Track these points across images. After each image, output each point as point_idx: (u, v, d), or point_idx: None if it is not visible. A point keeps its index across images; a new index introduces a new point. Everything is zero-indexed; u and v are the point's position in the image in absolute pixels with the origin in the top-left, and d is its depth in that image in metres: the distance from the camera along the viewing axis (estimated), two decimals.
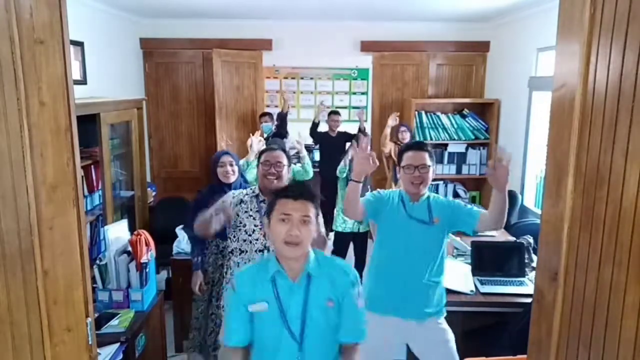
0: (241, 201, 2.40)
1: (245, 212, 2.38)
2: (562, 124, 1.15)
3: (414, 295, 2.27)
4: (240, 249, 2.36)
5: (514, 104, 5.06)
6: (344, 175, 4.04)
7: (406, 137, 4.74)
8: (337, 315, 1.65)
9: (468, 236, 3.66)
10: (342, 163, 4.16)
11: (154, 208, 4.70)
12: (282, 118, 5.27)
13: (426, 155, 2.28)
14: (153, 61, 5.73)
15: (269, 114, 5.31)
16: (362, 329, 1.69)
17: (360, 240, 4.26)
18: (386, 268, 2.33)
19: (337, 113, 5.29)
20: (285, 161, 2.41)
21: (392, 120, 4.86)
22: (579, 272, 1.08)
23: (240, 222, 2.37)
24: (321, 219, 2.48)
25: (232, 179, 2.98)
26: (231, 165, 3.00)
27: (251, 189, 2.49)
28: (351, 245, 4.27)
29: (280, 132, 5.18)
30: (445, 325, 2.35)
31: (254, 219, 2.36)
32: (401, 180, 2.35)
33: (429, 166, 2.27)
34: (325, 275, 1.65)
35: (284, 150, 2.50)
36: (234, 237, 2.39)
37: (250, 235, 2.35)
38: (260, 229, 2.33)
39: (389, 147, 4.82)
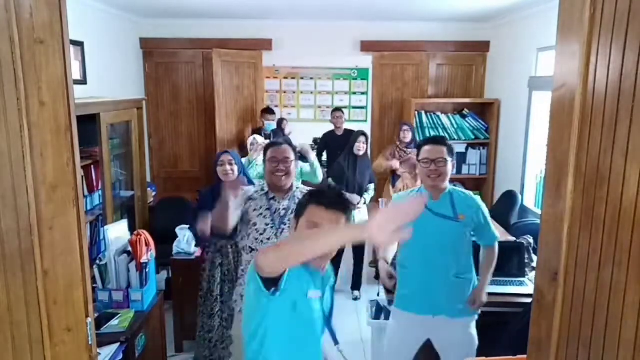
0: (250, 198, 2.37)
1: (255, 210, 2.35)
2: (562, 124, 1.15)
3: (443, 291, 2.28)
4: (251, 247, 2.34)
5: (514, 104, 5.06)
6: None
7: (408, 137, 4.71)
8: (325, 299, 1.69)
9: None
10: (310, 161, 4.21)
11: (154, 208, 4.70)
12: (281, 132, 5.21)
13: (444, 149, 2.28)
14: (153, 61, 5.73)
15: (272, 112, 5.31)
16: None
17: None
18: (414, 266, 2.32)
19: (339, 110, 5.27)
20: (292, 156, 2.38)
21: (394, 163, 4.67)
22: (579, 272, 1.08)
23: (250, 220, 2.34)
24: None
25: (232, 178, 2.98)
26: (230, 164, 3.00)
27: (260, 185, 2.46)
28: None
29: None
30: (474, 331, 2.34)
31: (264, 217, 2.33)
32: (419, 174, 2.38)
33: (447, 160, 2.27)
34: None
35: (290, 144, 2.48)
36: (246, 234, 2.37)
37: (261, 234, 2.32)
38: (272, 227, 2.31)
39: (384, 166, 4.73)
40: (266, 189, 2.39)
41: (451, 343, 2.31)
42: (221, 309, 2.98)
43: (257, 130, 5.22)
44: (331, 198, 1.57)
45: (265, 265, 1.41)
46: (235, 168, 3.04)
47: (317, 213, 1.54)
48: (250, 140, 4.48)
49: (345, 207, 1.58)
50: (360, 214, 4.17)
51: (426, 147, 2.31)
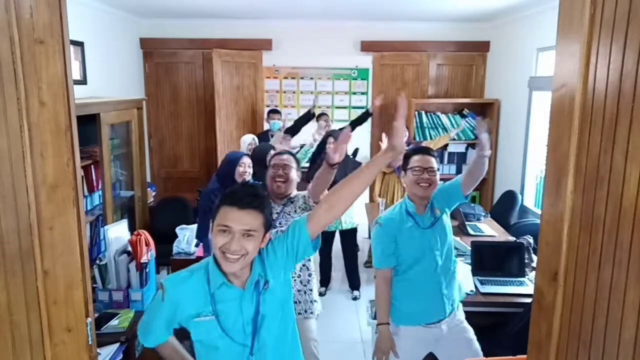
0: None
1: None
2: (562, 124, 1.15)
3: (448, 291, 2.34)
4: None
5: (514, 104, 5.06)
6: (307, 157, 4.30)
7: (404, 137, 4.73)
8: (276, 286, 1.57)
9: (468, 236, 3.68)
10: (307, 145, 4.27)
11: (154, 208, 4.70)
12: (308, 118, 5.23)
13: (433, 159, 2.33)
14: (153, 61, 5.73)
15: (278, 112, 5.29)
16: (299, 223, 1.59)
17: (348, 236, 4.35)
18: (420, 284, 2.32)
19: (326, 114, 5.33)
20: (294, 164, 2.45)
21: (377, 101, 4.90)
22: (579, 272, 1.08)
23: None
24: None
25: (247, 178, 3.12)
26: (249, 167, 3.16)
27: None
28: (337, 242, 4.38)
29: (296, 127, 5.12)
30: (466, 324, 2.39)
31: None
32: (406, 182, 2.35)
33: (437, 170, 2.32)
34: (265, 267, 1.57)
35: (293, 155, 2.55)
36: None
37: None
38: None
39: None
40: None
41: (453, 347, 2.32)
42: None
43: (263, 134, 5.20)
44: (244, 196, 1.47)
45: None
46: (250, 171, 3.18)
47: (230, 215, 1.45)
48: (249, 139, 4.49)
49: (261, 204, 1.48)
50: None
51: (416, 157, 2.32)
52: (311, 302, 2.43)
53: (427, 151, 2.36)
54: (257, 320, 1.53)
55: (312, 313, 2.43)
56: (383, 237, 2.32)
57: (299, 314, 2.37)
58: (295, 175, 2.44)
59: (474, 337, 2.35)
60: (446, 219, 2.38)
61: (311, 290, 2.43)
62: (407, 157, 2.37)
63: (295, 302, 2.35)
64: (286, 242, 1.59)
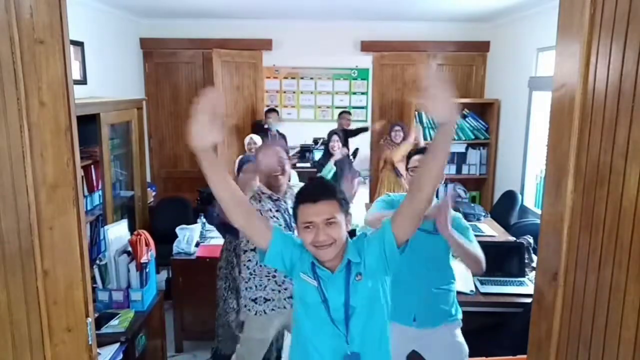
0: (256, 199, 2.41)
1: (262, 213, 2.37)
2: (562, 124, 1.15)
3: (426, 305, 2.24)
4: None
5: (514, 104, 5.06)
6: (330, 176, 4.20)
7: (399, 137, 4.75)
8: (374, 286, 1.59)
9: None
10: (329, 164, 4.25)
11: (154, 208, 4.70)
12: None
13: None
14: (153, 61, 5.73)
15: (276, 111, 5.32)
16: (383, 227, 1.60)
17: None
18: (399, 281, 2.29)
19: (349, 112, 5.42)
20: (284, 155, 2.44)
21: (377, 126, 4.89)
22: (579, 272, 1.08)
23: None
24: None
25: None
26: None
27: (255, 191, 2.47)
28: None
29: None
30: (461, 338, 2.31)
31: (276, 218, 2.36)
32: (407, 183, 2.34)
33: None
34: (360, 256, 1.59)
35: (282, 146, 2.54)
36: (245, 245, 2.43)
37: None
38: (286, 227, 2.34)
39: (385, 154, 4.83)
40: (267, 191, 2.41)
41: (437, 351, 2.28)
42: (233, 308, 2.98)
43: (263, 130, 5.23)
44: (314, 190, 1.56)
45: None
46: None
47: (306, 211, 1.53)
48: (247, 140, 4.50)
49: (331, 193, 1.55)
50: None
51: (416, 157, 2.29)
52: (285, 299, 2.42)
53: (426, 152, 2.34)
54: (348, 308, 1.56)
55: (284, 308, 2.42)
56: (385, 202, 2.32)
57: (272, 310, 2.39)
58: (289, 166, 2.45)
59: (467, 355, 2.27)
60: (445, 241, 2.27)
61: (286, 289, 2.41)
62: (408, 157, 2.37)
63: (269, 300, 2.38)
64: (378, 245, 1.60)
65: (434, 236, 2.23)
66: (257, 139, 4.48)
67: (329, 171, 4.32)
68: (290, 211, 2.35)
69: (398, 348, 2.30)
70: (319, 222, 1.51)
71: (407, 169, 2.35)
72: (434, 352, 2.30)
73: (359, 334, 1.59)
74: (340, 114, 5.47)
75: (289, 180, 2.55)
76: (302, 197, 1.56)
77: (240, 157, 4.01)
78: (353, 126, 5.52)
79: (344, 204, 1.58)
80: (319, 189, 1.57)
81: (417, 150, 2.37)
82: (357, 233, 3.14)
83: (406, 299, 2.24)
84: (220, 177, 1.56)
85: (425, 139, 5.57)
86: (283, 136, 5.27)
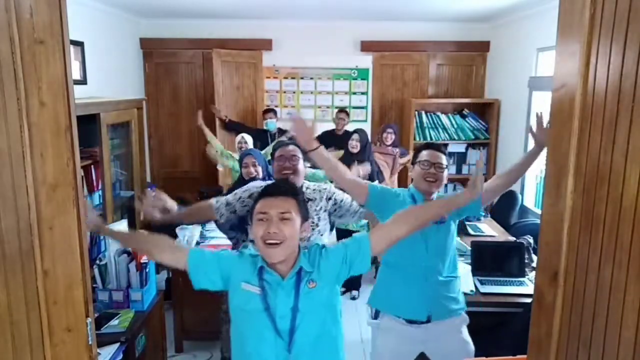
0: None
1: None
2: (562, 124, 1.15)
3: (434, 295, 2.26)
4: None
5: (514, 104, 5.06)
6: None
7: (389, 139, 4.74)
8: (328, 295, 1.59)
9: (468, 236, 3.68)
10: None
11: None
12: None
13: (443, 156, 2.28)
14: (153, 61, 5.73)
15: (273, 111, 5.30)
16: (359, 238, 1.66)
17: (347, 236, 4.31)
18: (404, 270, 2.28)
19: (344, 111, 5.27)
20: (300, 154, 2.37)
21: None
22: (579, 272, 1.08)
23: None
24: (351, 202, 2.41)
25: (258, 178, 3.05)
26: (254, 165, 3.12)
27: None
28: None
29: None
30: (466, 335, 2.32)
31: None
32: (414, 176, 2.32)
33: (446, 166, 2.27)
34: (314, 265, 1.58)
35: (298, 145, 2.45)
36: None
37: None
38: None
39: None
40: None
41: (445, 353, 2.29)
42: None
43: (259, 133, 5.21)
44: (275, 186, 1.62)
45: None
46: (260, 169, 3.12)
47: (263, 203, 1.54)
48: (238, 138, 4.50)
49: (293, 191, 1.58)
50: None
51: (427, 151, 2.29)
52: None
53: (438, 147, 2.32)
54: (296, 315, 1.53)
55: None
56: (388, 190, 2.34)
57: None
58: (302, 166, 2.38)
59: (472, 352, 2.28)
60: (453, 228, 2.31)
61: None
62: (417, 151, 2.36)
63: None
64: (344, 251, 1.62)
65: (439, 225, 2.24)
66: (248, 138, 4.48)
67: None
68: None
69: (405, 351, 2.30)
70: (273, 215, 1.50)
71: (413, 163, 2.34)
72: (442, 353, 2.30)
73: (310, 344, 1.55)
74: (338, 111, 5.31)
75: (307, 179, 2.49)
76: (262, 193, 1.59)
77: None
78: (350, 127, 5.40)
79: (302, 206, 1.57)
80: (280, 186, 1.61)
81: (427, 145, 2.35)
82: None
83: (418, 291, 2.25)
84: (138, 246, 1.74)
85: (425, 138, 5.59)
86: (285, 132, 5.20)
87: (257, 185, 2.41)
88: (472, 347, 2.30)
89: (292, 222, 1.52)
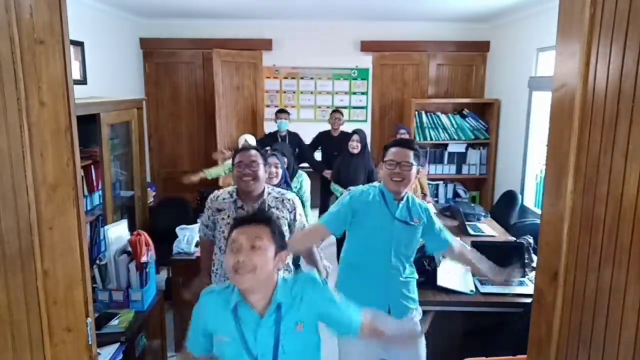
0: (218, 210, 2.35)
1: (223, 218, 2.32)
2: (562, 124, 1.15)
3: (395, 292, 2.24)
4: (222, 260, 2.32)
5: (514, 104, 5.06)
6: (340, 193, 4.15)
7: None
8: (312, 334, 1.55)
9: (468, 236, 3.67)
10: (339, 188, 4.23)
11: (154, 208, 4.70)
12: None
13: (410, 153, 2.19)
14: (153, 61, 5.73)
15: (286, 111, 5.26)
16: (356, 319, 1.62)
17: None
18: (365, 270, 2.26)
19: (339, 111, 5.24)
20: (260, 160, 2.32)
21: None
22: (579, 272, 1.08)
23: (221, 229, 2.32)
24: (303, 221, 2.42)
25: (275, 180, 2.95)
26: (277, 166, 3.02)
27: (229, 193, 2.39)
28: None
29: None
30: (418, 324, 2.28)
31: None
32: (381, 176, 2.27)
33: (412, 164, 2.18)
34: (295, 298, 1.51)
35: (259, 150, 2.41)
36: (220, 243, 2.34)
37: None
38: None
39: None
40: (235, 196, 2.35)
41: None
42: None
43: (269, 136, 5.20)
44: (249, 215, 1.55)
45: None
46: (279, 170, 3.03)
47: (236, 232, 1.48)
48: (240, 140, 4.49)
49: (268, 221, 1.51)
50: None
51: (392, 149, 2.23)
52: None
53: (406, 144, 2.24)
54: (277, 354, 1.47)
55: None
56: (345, 205, 2.26)
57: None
58: (263, 172, 2.33)
59: (424, 346, 2.28)
60: (419, 233, 2.28)
61: None
62: (385, 148, 2.29)
63: None
64: (334, 313, 1.58)
65: (408, 227, 2.23)
66: (251, 139, 4.47)
67: (337, 190, 4.28)
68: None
69: (366, 355, 2.26)
70: (244, 243, 1.44)
71: (383, 161, 2.25)
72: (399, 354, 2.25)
73: None
74: (333, 112, 5.24)
75: (281, 185, 2.42)
76: (235, 223, 1.52)
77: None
78: (349, 127, 5.39)
79: (277, 235, 1.51)
80: (254, 215, 1.55)
81: (394, 143, 2.29)
82: None
83: (379, 290, 2.23)
84: None
85: (425, 139, 5.59)
86: (295, 135, 5.16)
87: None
88: (419, 327, 2.21)
89: (264, 250, 1.45)
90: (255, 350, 1.46)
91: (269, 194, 2.38)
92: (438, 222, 2.34)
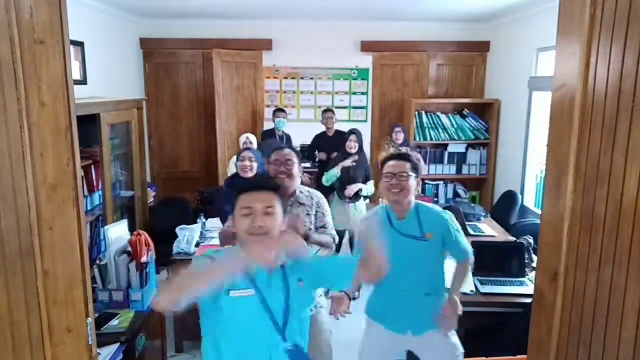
0: None
1: None
2: (562, 124, 1.15)
3: (412, 310, 2.23)
4: None
5: (514, 104, 5.06)
6: (330, 183, 4.18)
7: (400, 138, 4.74)
8: (309, 291, 1.66)
9: (468, 236, 3.67)
10: (335, 169, 4.21)
11: (154, 208, 4.70)
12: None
13: (407, 164, 2.24)
14: (153, 61, 5.73)
15: (284, 111, 5.32)
16: (351, 259, 1.69)
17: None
18: (383, 285, 2.20)
19: (330, 110, 5.28)
20: (295, 159, 2.38)
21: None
22: (579, 272, 1.08)
23: None
24: (329, 221, 2.46)
25: (250, 174, 3.16)
26: (250, 160, 3.23)
27: None
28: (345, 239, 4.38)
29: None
30: (455, 339, 2.30)
31: None
32: (381, 190, 2.31)
33: (409, 175, 2.22)
34: (294, 260, 1.60)
35: (293, 149, 2.49)
36: None
37: None
38: None
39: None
40: None
41: (432, 354, 2.28)
42: None
43: (266, 132, 5.25)
44: (257, 181, 1.66)
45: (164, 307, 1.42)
46: (255, 165, 3.19)
47: (247, 197, 1.56)
48: (242, 138, 4.50)
49: (274, 186, 1.61)
50: (357, 209, 4.26)
51: (389, 162, 2.27)
52: (319, 296, 2.44)
53: (401, 157, 2.30)
54: (288, 308, 1.57)
55: (322, 307, 2.45)
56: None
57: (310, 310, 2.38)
58: (298, 171, 2.39)
59: (461, 355, 2.27)
60: (438, 248, 2.26)
61: None
62: (382, 163, 2.33)
63: None
64: (327, 267, 1.68)
65: (419, 242, 2.23)
66: (252, 137, 4.49)
67: (332, 175, 4.28)
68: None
69: (392, 353, 2.30)
70: (259, 208, 1.52)
71: (381, 173, 2.28)
72: (429, 355, 2.29)
73: (296, 331, 1.61)
74: (324, 112, 5.28)
75: (302, 183, 2.48)
76: (245, 188, 1.60)
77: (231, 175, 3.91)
78: (346, 127, 5.37)
79: (283, 201, 1.62)
80: (263, 181, 1.65)
81: (390, 156, 2.32)
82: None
83: (400, 307, 2.26)
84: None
85: (425, 139, 5.59)
86: (288, 137, 5.25)
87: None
88: (460, 348, 2.27)
89: (276, 215, 1.55)
90: (271, 304, 1.55)
91: (301, 192, 2.45)
92: (455, 231, 2.30)
